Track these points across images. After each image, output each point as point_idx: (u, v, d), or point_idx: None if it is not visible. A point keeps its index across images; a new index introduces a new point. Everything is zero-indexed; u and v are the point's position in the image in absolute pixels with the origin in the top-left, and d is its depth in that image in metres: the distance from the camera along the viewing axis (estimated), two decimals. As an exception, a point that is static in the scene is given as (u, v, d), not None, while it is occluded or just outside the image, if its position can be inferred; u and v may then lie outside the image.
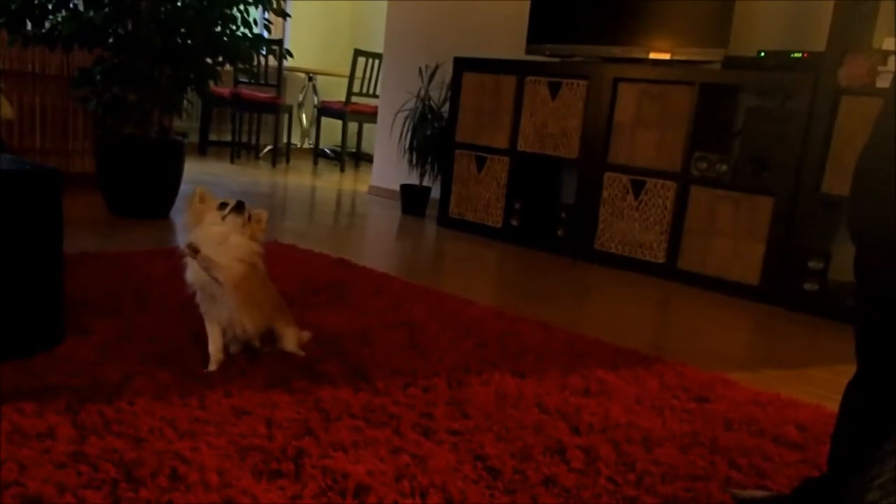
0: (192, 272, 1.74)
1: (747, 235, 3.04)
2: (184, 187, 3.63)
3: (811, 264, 2.87)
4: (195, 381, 1.59)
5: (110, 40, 3.30)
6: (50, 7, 3.20)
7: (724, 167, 3.11)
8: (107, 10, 3.21)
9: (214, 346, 1.72)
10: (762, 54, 3.06)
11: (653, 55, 3.40)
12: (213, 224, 1.74)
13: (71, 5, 3.23)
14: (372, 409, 1.54)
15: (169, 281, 2.35)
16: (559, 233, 3.70)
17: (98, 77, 3.35)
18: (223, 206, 1.77)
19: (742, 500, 1.34)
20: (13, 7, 3.13)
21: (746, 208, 3.04)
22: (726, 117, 3.32)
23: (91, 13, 3.21)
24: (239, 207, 1.76)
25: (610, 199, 3.45)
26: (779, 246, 2.95)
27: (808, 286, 2.88)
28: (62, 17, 3.22)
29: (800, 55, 2.96)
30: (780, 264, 2.95)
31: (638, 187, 3.35)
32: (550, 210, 3.80)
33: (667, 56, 3.36)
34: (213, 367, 1.69)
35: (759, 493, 1.36)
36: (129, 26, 3.28)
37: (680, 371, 2.00)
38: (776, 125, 2.97)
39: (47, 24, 3.23)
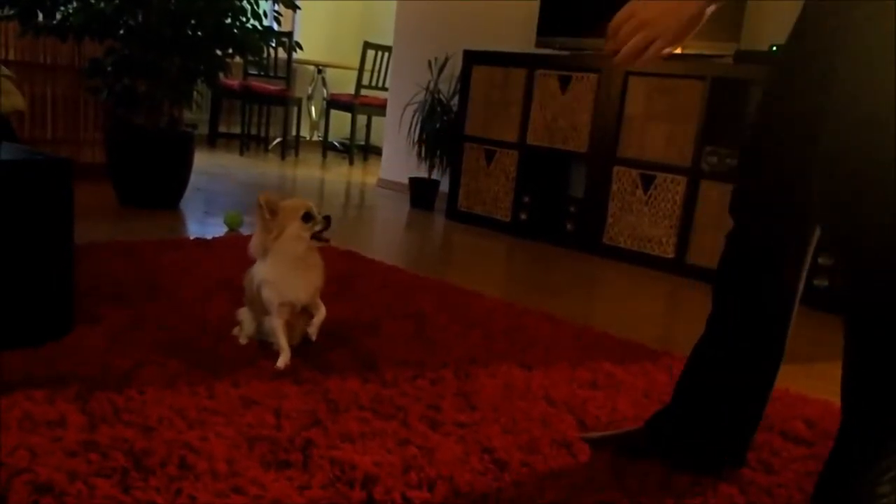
0: (280, 294, 1.70)
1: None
2: (194, 179, 3.64)
3: (821, 260, 2.85)
4: (204, 371, 1.60)
5: (121, 31, 3.31)
6: (61, -2, 3.21)
7: (735, 162, 3.09)
8: (117, 0, 3.22)
9: (286, 342, 1.71)
10: (775, 48, 3.04)
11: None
12: (301, 238, 1.69)
13: (82, -4, 3.24)
14: (380, 400, 1.54)
15: (178, 271, 2.36)
16: (568, 227, 3.70)
17: (109, 68, 3.36)
18: (307, 216, 1.69)
19: (594, 441, 1.45)
20: (24, -2, 3.15)
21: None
22: (738, 112, 3.29)
23: (102, 4, 3.22)
24: (328, 223, 1.71)
25: (619, 193, 3.44)
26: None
27: (817, 282, 2.87)
28: (73, 8, 3.23)
29: (812, 49, 2.93)
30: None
31: (647, 181, 3.33)
32: (559, 204, 3.79)
33: (678, 50, 3.33)
34: (286, 363, 1.68)
35: (607, 432, 1.50)
36: (140, 17, 3.28)
37: (688, 366, 1.99)
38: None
39: (58, 15, 3.24)
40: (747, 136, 1.34)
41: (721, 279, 1.39)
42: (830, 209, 1.05)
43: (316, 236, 1.72)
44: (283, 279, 1.70)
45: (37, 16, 3.22)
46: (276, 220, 1.68)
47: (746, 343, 1.33)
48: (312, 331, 1.73)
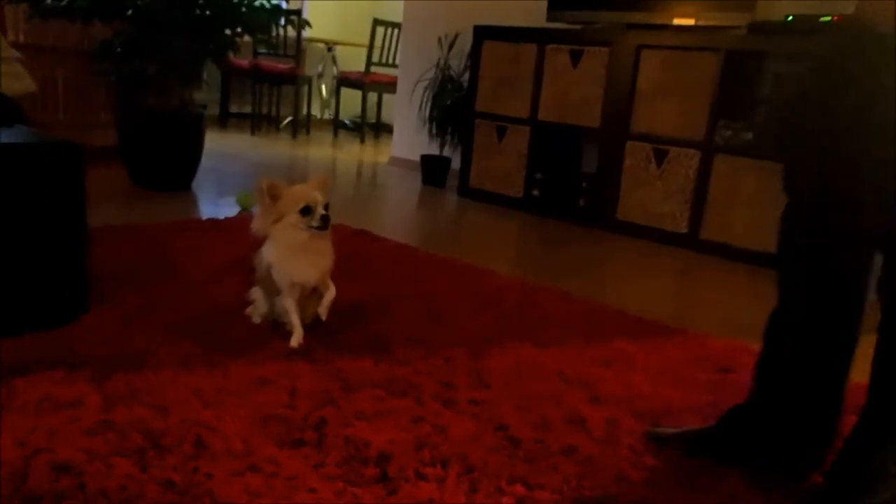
0: (289, 275, 1.70)
1: (772, 204, 2.98)
2: (205, 160, 3.65)
3: (837, 233, 2.82)
4: (218, 351, 1.61)
5: (129, 12, 3.30)
6: (69, -21, 3.20)
7: (749, 135, 3.06)
8: (125, -19, 3.20)
9: (298, 321, 1.71)
10: (790, 18, 2.98)
11: (676, 21, 3.33)
12: (298, 231, 1.68)
13: (90, -23, 3.22)
14: (393, 378, 1.55)
15: (192, 252, 2.37)
16: (580, 203, 3.67)
17: (118, 50, 3.35)
18: (306, 210, 1.67)
19: (661, 437, 1.39)
20: (32, -20, 3.14)
21: (772, 177, 2.98)
22: (752, 84, 3.24)
23: (110, -16, 3.21)
24: (325, 223, 1.67)
25: (632, 168, 3.41)
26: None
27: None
28: (81, -11, 3.22)
29: (829, 18, 2.88)
30: (805, 234, 2.91)
31: (660, 156, 3.30)
32: (571, 180, 3.76)
33: (691, 22, 3.29)
34: (299, 342, 1.68)
35: (672, 430, 1.42)
36: (148, -2, 3.27)
37: (702, 341, 1.99)
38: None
39: (66, -2, 3.24)
40: (792, 110, 1.27)
41: (789, 261, 1.28)
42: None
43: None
44: (290, 262, 1.71)
45: (45, -2, 3.22)
46: (277, 205, 1.68)
47: (825, 327, 1.23)
48: (322, 311, 1.74)
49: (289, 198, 1.69)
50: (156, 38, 3.29)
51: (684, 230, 3.26)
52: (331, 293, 1.76)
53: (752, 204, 3.04)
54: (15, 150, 1.62)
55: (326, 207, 1.70)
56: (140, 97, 3.41)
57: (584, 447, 1.34)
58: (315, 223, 1.68)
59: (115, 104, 3.89)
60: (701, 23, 3.27)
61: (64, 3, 3.23)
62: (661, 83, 3.30)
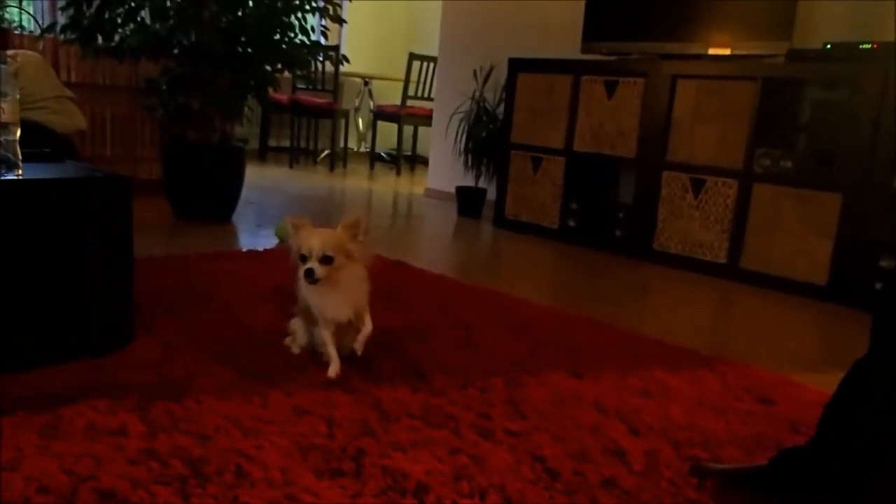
0: (321, 312, 1.72)
1: (814, 233, 2.94)
2: (245, 192, 3.72)
3: (883, 263, 2.76)
4: (257, 380, 1.63)
5: (175, 50, 3.42)
6: (119, 21, 3.33)
7: (789, 163, 3.02)
8: (171, 21, 3.32)
9: (335, 352, 1.72)
10: (829, 46, 2.96)
11: (712, 51, 3.33)
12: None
13: (138, 18, 3.35)
14: (430, 409, 1.55)
15: (232, 282, 2.42)
16: (617, 233, 3.66)
17: (164, 87, 3.46)
18: (303, 258, 1.67)
19: (702, 470, 1.35)
20: (85, 23, 3.27)
21: (813, 205, 2.94)
22: (791, 112, 3.22)
23: (157, 25, 3.33)
24: (309, 276, 1.64)
25: (669, 198, 3.39)
26: (847, 244, 2.85)
27: (879, 285, 2.77)
28: (130, 30, 3.35)
29: (869, 46, 2.85)
30: (849, 263, 2.85)
31: (698, 186, 3.28)
32: (608, 210, 3.75)
33: (727, 51, 3.29)
34: (336, 373, 1.69)
35: (717, 466, 1.38)
36: (192, 36, 3.38)
37: (743, 372, 1.95)
38: (844, 119, 2.87)
39: (116, 38, 3.37)
40: None
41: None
42: None
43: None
44: (321, 299, 1.73)
45: (96, 39, 3.35)
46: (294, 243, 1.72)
47: None
48: (357, 346, 1.75)
49: (297, 240, 1.71)
50: (200, 75, 3.40)
51: (723, 260, 3.22)
52: (367, 328, 1.76)
53: (792, 232, 3.00)
54: (67, 185, 1.68)
55: (328, 260, 1.66)
56: (184, 132, 3.52)
57: (624, 480, 1.32)
58: (301, 272, 1.67)
59: (160, 139, 4.01)
60: (737, 52, 3.26)
61: (114, 43, 3.36)
62: (697, 112, 3.29)
